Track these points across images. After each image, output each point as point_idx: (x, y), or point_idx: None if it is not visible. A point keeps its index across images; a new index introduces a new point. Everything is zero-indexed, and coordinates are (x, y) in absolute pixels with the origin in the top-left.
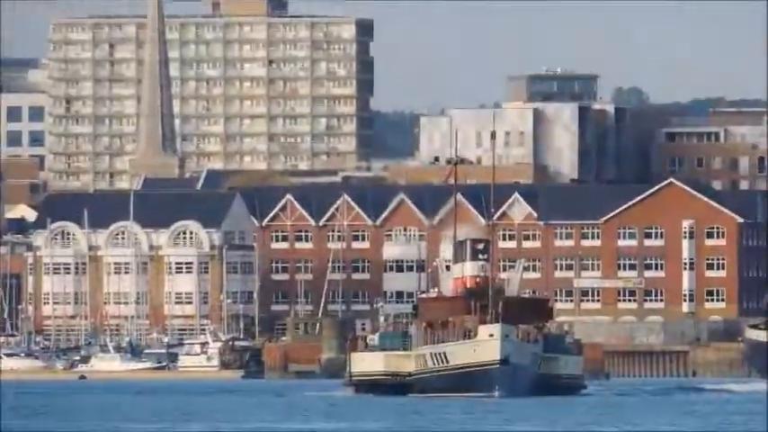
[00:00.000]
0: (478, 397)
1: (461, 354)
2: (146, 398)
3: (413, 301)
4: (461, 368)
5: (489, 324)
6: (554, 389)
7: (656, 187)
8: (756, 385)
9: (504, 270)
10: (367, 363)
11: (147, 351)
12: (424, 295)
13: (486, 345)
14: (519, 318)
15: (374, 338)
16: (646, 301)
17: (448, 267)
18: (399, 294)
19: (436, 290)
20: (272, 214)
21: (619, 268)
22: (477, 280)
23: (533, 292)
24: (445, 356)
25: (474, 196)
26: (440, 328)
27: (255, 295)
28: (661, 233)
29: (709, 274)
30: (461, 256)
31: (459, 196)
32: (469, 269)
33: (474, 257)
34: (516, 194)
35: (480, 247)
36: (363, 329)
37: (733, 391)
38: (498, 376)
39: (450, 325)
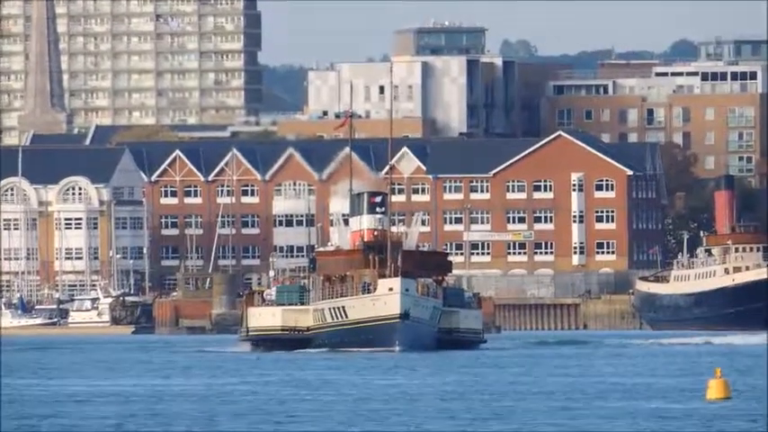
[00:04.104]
0: (378, 351)
1: (361, 308)
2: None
3: (303, 255)
4: (361, 322)
5: (388, 278)
6: (454, 343)
7: (545, 140)
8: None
9: (394, 224)
10: (264, 318)
11: (37, 307)
12: (321, 249)
13: (385, 299)
14: (418, 271)
15: (271, 293)
16: (536, 254)
17: (346, 222)
18: (290, 249)
19: (333, 243)
20: (160, 169)
21: (508, 221)
22: (375, 233)
23: (423, 245)
24: (344, 311)
25: (363, 150)
26: (338, 282)
27: (145, 251)
28: (550, 186)
29: (598, 226)
30: (358, 209)
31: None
32: (367, 222)
33: (371, 211)
34: (405, 148)
35: (378, 200)
36: (259, 284)
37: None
38: (398, 331)
39: (348, 279)
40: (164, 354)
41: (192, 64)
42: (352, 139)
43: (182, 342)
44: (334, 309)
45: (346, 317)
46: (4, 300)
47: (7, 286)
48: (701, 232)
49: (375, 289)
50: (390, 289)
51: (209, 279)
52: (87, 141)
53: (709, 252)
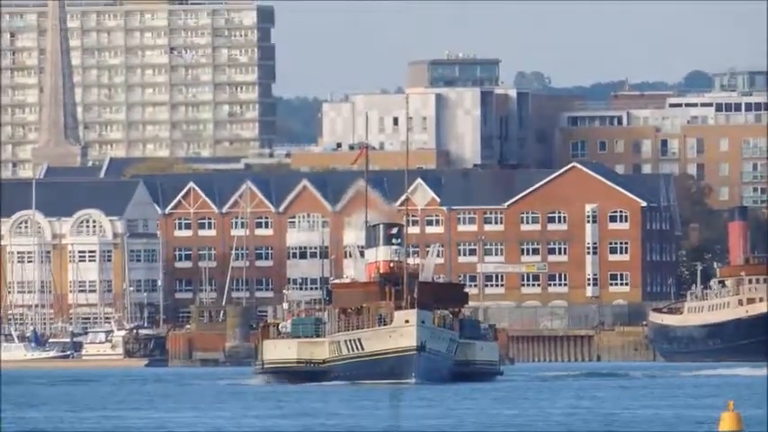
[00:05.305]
0: (395, 384)
1: (377, 340)
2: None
3: (317, 288)
4: (377, 355)
5: (405, 310)
6: (471, 375)
7: (559, 171)
8: None
9: (409, 256)
10: (279, 350)
11: (51, 340)
12: (337, 281)
13: (402, 331)
14: (434, 303)
15: (286, 325)
16: (549, 285)
17: (362, 253)
18: (304, 281)
19: (348, 275)
20: (174, 202)
21: (522, 253)
22: (391, 265)
23: (438, 277)
24: (360, 343)
25: (377, 182)
26: (354, 314)
27: (159, 283)
28: (564, 217)
29: (612, 258)
30: (374, 240)
31: (364, 182)
32: (383, 254)
33: (387, 242)
34: (419, 180)
35: (394, 231)
36: (275, 316)
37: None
38: (415, 363)
39: (364, 311)
40: (171, 387)
41: (206, 96)
42: (367, 170)
43: (191, 375)
44: (350, 341)
45: (362, 349)
46: (17, 333)
47: (21, 319)
48: (715, 263)
49: (391, 321)
50: (407, 321)
51: (222, 311)
52: (101, 174)
53: (722, 283)
